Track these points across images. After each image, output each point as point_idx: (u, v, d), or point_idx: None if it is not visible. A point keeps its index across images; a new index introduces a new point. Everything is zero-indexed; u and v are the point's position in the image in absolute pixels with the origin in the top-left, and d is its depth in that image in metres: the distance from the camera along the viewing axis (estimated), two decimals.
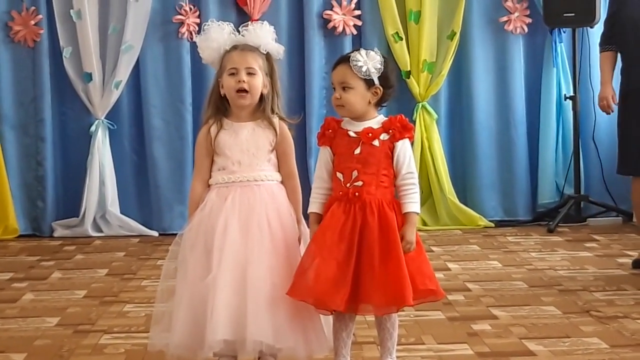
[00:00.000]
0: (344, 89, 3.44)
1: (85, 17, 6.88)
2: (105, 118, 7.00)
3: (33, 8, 6.95)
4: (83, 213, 6.95)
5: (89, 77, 6.94)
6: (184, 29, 6.96)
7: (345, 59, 3.47)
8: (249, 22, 3.71)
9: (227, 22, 3.64)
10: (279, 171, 3.59)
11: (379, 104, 3.51)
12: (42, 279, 5.52)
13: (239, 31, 3.59)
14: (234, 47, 3.55)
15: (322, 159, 3.52)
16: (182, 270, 3.48)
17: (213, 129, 3.55)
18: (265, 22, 3.66)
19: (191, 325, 3.40)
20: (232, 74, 3.51)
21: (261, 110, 3.58)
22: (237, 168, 3.52)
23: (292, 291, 3.34)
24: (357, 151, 3.42)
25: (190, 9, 6.99)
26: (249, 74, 3.51)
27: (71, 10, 6.89)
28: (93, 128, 6.97)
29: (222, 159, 3.54)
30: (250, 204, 3.47)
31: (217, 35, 3.57)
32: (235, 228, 3.42)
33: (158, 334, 3.50)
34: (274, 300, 3.36)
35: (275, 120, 3.57)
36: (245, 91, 3.50)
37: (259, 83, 3.53)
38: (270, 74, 3.58)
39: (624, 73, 5.47)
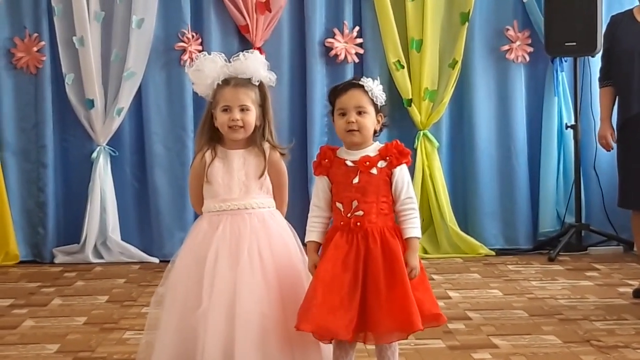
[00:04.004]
0: (359, 113, 3.44)
1: (88, 44, 6.90)
2: (106, 145, 7.01)
3: (36, 35, 6.97)
4: (84, 239, 6.94)
5: (91, 103, 6.95)
6: (186, 57, 6.96)
7: (355, 85, 3.47)
8: (250, 50, 3.69)
9: (219, 53, 3.64)
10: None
11: (377, 133, 3.52)
12: (43, 306, 5.51)
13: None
14: (227, 82, 3.55)
15: (319, 187, 3.52)
16: (171, 297, 3.48)
17: (208, 156, 3.56)
18: (256, 51, 3.66)
19: (180, 355, 3.39)
20: (225, 110, 3.53)
21: (253, 138, 3.59)
22: (228, 196, 3.54)
23: (299, 324, 3.32)
24: (356, 180, 3.42)
25: (193, 36, 7.00)
26: (243, 110, 3.52)
27: (74, 37, 6.91)
28: (94, 154, 6.97)
29: (215, 187, 3.55)
30: (241, 233, 3.48)
31: (209, 69, 3.56)
32: (225, 258, 3.43)
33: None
34: (263, 332, 3.36)
35: (266, 147, 3.58)
36: (239, 126, 3.52)
37: (252, 119, 3.55)
38: (263, 103, 3.59)
39: (619, 105, 5.48)
